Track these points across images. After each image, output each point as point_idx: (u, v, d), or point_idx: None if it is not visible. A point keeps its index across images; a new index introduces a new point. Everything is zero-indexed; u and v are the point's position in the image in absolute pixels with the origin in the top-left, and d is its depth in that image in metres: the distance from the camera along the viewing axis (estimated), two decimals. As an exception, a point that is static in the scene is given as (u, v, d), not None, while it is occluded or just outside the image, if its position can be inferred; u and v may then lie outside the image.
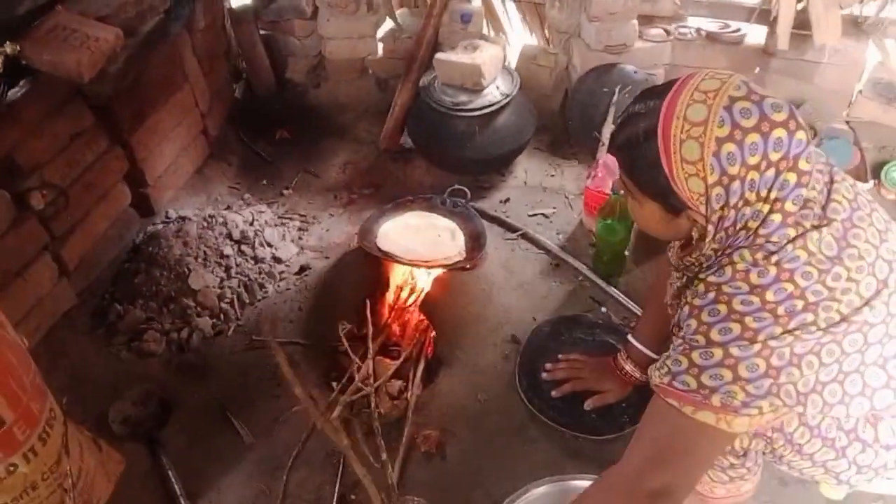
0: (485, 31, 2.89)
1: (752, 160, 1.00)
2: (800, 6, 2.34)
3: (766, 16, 2.46)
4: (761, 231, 1.03)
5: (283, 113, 2.81)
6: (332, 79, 2.96)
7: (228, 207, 2.41)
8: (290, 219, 2.40)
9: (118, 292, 2.09)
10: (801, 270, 1.01)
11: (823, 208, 1.05)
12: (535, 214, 2.42)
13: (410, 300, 2.05)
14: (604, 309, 2.07)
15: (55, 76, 1.84)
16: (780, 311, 1.00)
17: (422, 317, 2.01)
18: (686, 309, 1.10)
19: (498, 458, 1.69)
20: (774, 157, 1.00)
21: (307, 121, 2.83)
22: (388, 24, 2.91)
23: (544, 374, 1.81)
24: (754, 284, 1.02)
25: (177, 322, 2.01)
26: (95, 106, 2.07)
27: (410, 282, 2.10)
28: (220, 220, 2.26)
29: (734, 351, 1.01)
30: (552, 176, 2.61)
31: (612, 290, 2.10)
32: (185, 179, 2.53)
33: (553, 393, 1.76)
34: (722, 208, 1.04)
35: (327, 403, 1.77)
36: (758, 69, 2.64)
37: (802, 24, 2.37)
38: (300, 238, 2.34)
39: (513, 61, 2.81)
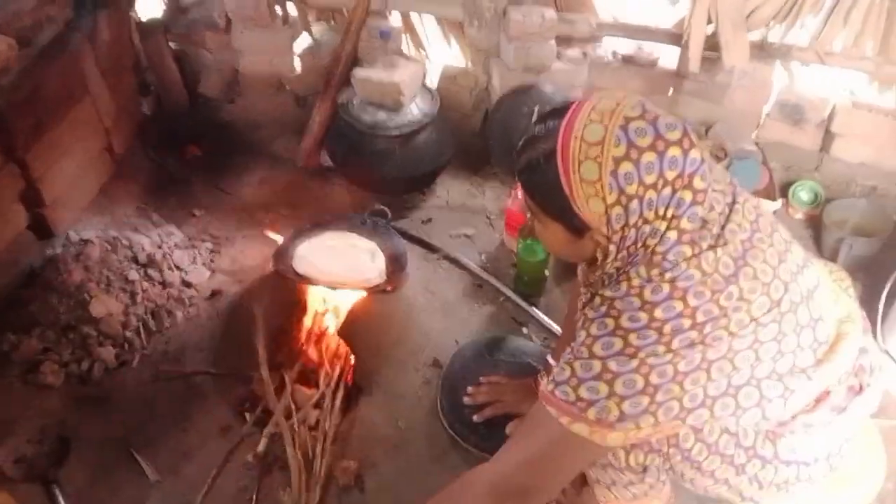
0: (404, 48, 2.87)
1: (649, 179, 1.01)
2: (709, 29, 2.41)
3: (678, 39, 2.52)
4: (658, 248, 1.04)
5: (195, 129, 2.69)
6: (247, 94, 2.86)
7: (135, 229, 2.28)
8: (202, 241, 2.29)
9: (12, 321, 1.95)
10: (694, 290, 1.02)
11: (722, 228, 1.07)
12: (457, 235, 2.40)
13: (328, 325, 1.98)
14: (525, 330, 2.06)
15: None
16: (666, 329, 1.00)
17: (340, 342, 1.94)
18: (581, 320, 1.11)
19: (418, 488, 1.64)
20: (670, 175, 1.01)
21: (221, 137, 2.72)
22: (305, 39, 2.85)
23: (466, 398, 1.78)
24: (646, 300, 1.03)
25: (77, 352, 1.89)
26: (-15, 121, 1.93)
27: (328, 306, 2.03)
28: (125, 242, 2.14)
29: (612, 365, 1.01)
30: (474, 196, 2.60)
31: (534, 311, 2.10)
32: (87, 199, 2.39)
33: (475, 417, 1.73)
34: (623, 228, 1.05)
35: (241, 436, 1.69)
36: (671, 91, 2.71)
37: (713, 46, 2.45)
38: (212, 261, 2.24)
39: (433, 80, 2.79)
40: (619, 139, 1.00)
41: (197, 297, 2.10)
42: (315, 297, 2.03)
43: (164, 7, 2.70)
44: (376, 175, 2.40)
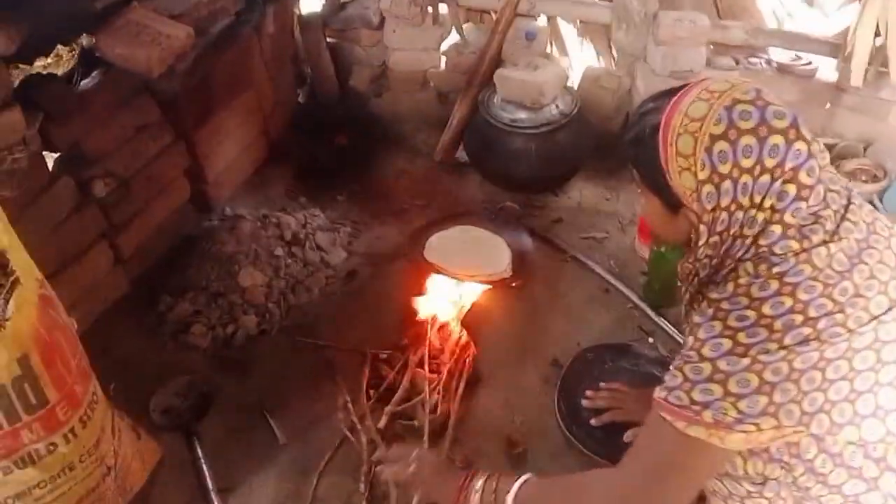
0: (549, 50, 2.89)
1: (746, 163, 1.00)
2: (877, 42, 2.26)
3: (840, 50, 2.38)
4: (761, 241, 1.02)
5: (343, 119, 2.83)
6: (393, 89, 2.98)
7: (283, 209, 2.44)
8: (342, 224, 2.42)
9: (169, 284, 2.13)
10: (805, 285, 0.98)
11: (837, 226, 1.03)
12: (587, 237, 2.39)
13: (454, 314, 2.03)
14: (651, 340, 2.02)
15: (126, 70, 1.90)
16: (777, 325, 0.97)
17: (464, 332, 1.99)
18: (688, 326, 1.11)
19: (530, 482, 1.65)
20: (769, 163, 1.00)
21: (367, 129, 2.84)
22: (452, 38, 2.93)
23: (585, 402, 1.77)
24: (753, 297, 1.00)
25: (223, 317, 2.04)
26: (162, 101, 2.13)
27: (455, 295, 2.08)
28: (274, 220, 2.29)
29: (722, 365, 0.99)
30: (607, 199, 2.57)
31: (662, 321, 2.05)
32: (243, 179, 2.58)
33: (592, 421, 1.72)
34: (713, 209, 1.04)
35: (365, 411, 1.77)
36: (829, 104, 2.56)
37: (878, 60, 2.29)
38: (350, 244, 2.35)
39: (575, 82, 2.79)
40: (721, 118, 1.01)
41: (334, 277, 2.22)
42: (442, 286, 2.09)
43: (323, 2, 2.86)
44: (510, 172, 2.43)
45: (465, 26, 2.94)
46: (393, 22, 2.82)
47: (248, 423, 1.81)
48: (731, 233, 1.04)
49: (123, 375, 1.86)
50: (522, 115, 2.37)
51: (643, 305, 2.09)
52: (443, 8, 2.84)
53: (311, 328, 2.06)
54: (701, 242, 1.09)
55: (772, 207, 1.01)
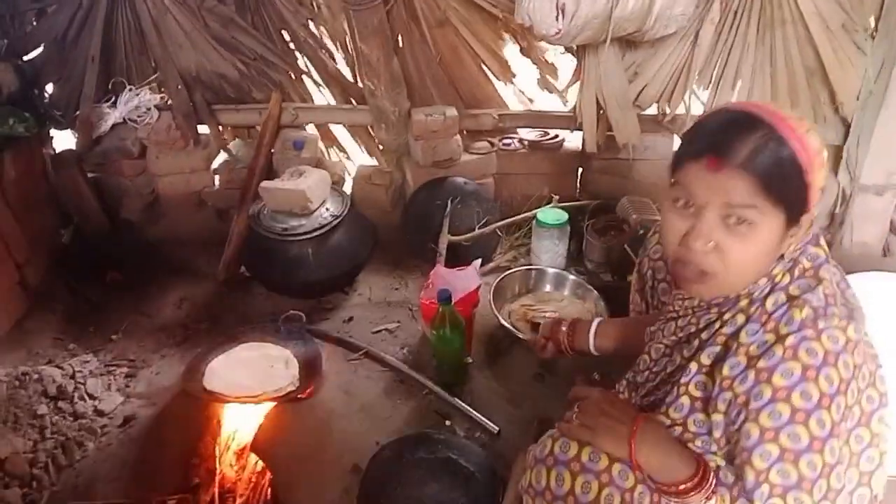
0: (325, 154, 2.96)
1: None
2: (602, 111, 2.51)
3: (575, 122, 2.62)
4: (823, 274, 1.16)
5: (116, 254, 2.69)
6: (169, 214, 2.90)
7: (50, 361, 2.24)
8: (118, 366, 2.25)
9: (-87, 472, 1.87)
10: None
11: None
12: (379, 331, 2.39)
13: (243, 441, 1.93)
14: (448, 422, 2.02)
15: None
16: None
17: (256, 458, 1.89)
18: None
19: None
20: None
21: (143, 259, 2.72)
22: (222, 156, 2.92)
23: None
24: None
25: (-20, 499, 1.81)
26: None
27: (242, 420, 1.99)
28: (35, 376, 2.10)
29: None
30: (396, 289, 2.61)
31: (457, 402, 2.06)
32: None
33: None
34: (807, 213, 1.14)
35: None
36: (581, 170, 2.80)
37: (605, 127, 2.55)
38: (127, 386, 2.18)
39: (351, 181, 2.87)
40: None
41: (109, 425, 2.03)
42: (228, 413, 1.99)
43: (75, 139, 2.76)
44: (292, 280, 2.41)
45: (234, 142, 2.94)
46: (154, 149, 2.76)
47: None
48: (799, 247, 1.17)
49: None
50: (294, 222, 2.37)
51: (437, 389, 2.10)
52: (204, 128, 2.83)
53: (88, 488, 1.87)
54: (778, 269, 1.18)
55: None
